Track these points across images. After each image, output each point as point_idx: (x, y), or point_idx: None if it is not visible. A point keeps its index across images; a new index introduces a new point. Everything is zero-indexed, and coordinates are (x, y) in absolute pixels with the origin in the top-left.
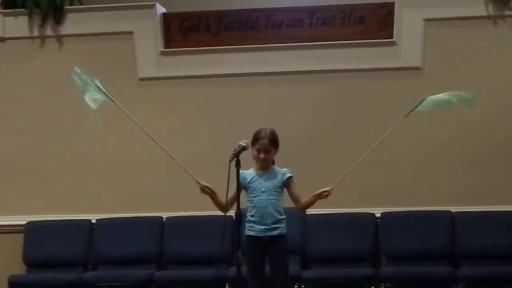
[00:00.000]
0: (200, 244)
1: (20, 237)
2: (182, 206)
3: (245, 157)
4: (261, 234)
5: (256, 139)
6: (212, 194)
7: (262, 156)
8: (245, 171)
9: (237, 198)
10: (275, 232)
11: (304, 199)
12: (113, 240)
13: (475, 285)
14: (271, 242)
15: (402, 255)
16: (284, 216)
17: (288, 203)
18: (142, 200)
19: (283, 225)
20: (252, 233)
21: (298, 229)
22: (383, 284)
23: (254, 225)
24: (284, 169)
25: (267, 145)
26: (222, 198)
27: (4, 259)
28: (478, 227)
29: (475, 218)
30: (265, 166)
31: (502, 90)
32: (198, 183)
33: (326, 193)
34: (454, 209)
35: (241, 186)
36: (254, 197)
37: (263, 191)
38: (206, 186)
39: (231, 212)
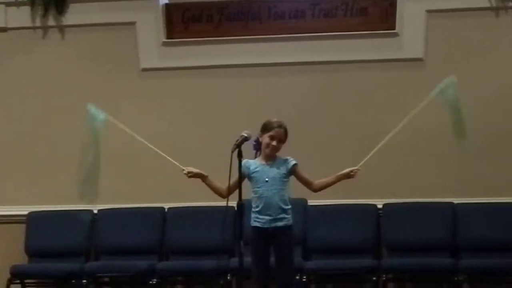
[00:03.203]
0: (201, 235)
1: (21, 227)
2: (184, 197)
3: (247, 147)
4: (266, 225)
5: (271, 126)
6: (201, 178)
7: (274, 143)
8: (250, 161)
9: (239, 188)
10: (280, 223)
11: (323, 179)
12: (115, 230)
13: (476, 276)
14: (277, 233)
15: (403, 246)
16: (290, 206)
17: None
18: (144, 190)
19: (289, 215)
20: (257, 224)
21: (300, 220)
22: (384, 275)
23: (259, 216)
24: (288, 157)
25: (282, 134)
26: (217, 182)
27: (6, 249)
28: (479, 219)
29: (477, 210)
30: (272, 155)
31: (504, 82)
32: (183, 170)
33: (353, 173)
34: (455, 200)
35: (244, 175)
36: (259, 187)
37: (267, 181)
38: (190, 172)
39: (233, 203)
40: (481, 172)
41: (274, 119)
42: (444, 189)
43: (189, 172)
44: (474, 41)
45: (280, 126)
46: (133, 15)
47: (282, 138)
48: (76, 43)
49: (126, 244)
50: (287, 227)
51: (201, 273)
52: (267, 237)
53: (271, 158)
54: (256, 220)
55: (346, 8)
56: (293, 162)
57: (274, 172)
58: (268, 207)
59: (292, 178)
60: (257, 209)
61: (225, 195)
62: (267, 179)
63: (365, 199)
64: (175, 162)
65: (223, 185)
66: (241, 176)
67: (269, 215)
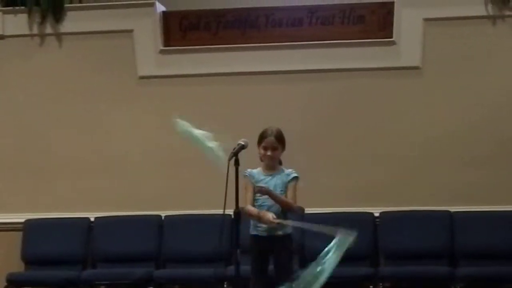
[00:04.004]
0: (198, 243)
1: (18, 235)
2: (181, 205)
3: (244, 156)
4: (265, 234)
5: (262, 137)
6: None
7: (269, 153)
8: (253, 170)
9: (235, 196)
10: (279, 232)
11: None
12: (111, 238)
13: (474, 284)
14: (276, 241)
15: (400, 254)
16: (289, 216)
17: None
18: (141, 198)
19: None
20: (256, 232)
21: (297, 228)
22: (381, 284)
23: (258, 224)
24: (291, 169)
25: (273, 142)
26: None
27: (2, 257)
28: (476, 227)
29: (474, 218)
30: (272, 164)
31: (501, 90)
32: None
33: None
34: (452, 208)
35: (252, 185)
36: (260, 196)
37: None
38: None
39: (230, 211)
40: (477, 180)
41: (266, 128)
42: (441, 197)
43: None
44: (471, 49)
45: (271, 134)
46: (130, 23)
47: (275, 145)
48: (74, 50)
49: (123, 252)
50: (286, 236)
51: (198, 281)
52: (266, 245)
53: (272, 168)
54: (255, 228)
55: (344, 16)
56: (294, 175)
57: (274, 182)
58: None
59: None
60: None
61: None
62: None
63: (362, 207)
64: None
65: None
66: (252, 184)
67: (270, 224)
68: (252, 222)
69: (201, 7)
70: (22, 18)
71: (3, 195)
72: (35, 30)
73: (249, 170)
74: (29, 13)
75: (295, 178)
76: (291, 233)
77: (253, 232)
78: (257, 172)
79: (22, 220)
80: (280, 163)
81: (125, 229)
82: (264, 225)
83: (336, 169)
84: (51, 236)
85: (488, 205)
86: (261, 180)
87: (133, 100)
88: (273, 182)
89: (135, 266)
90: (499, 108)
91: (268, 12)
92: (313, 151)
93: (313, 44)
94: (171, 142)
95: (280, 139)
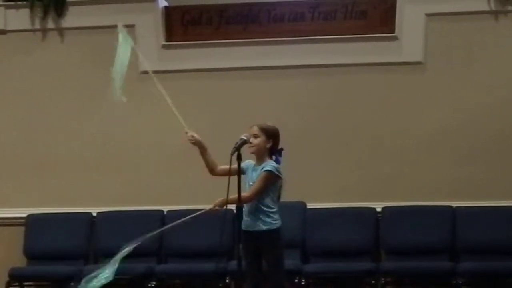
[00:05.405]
0: (200, 238)
1: (20, 230)
2: (183, 200)
3: (246, 150)
4: (250, 228)
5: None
6: (201, 149)
7: (250, 140)
8: (251, 162)
9: (237, 191)
10: (263, 227)
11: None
12: (113, 233)
13: (475, 280)
14: (261, 236)
15: (402, 249)
16: (273, 209)
17: (287, 197)
18: (143, 193)
19: (270, 219)
20: (243, 227)
21: (299, 223)
22: (383, 279)
23: (245, 218)
24: (270, 162)
25: (254, 130)
26: (213, 158)
27: (4, 252)
28: (478, 222)
29: (476, 213)
30: (256, 154)
31: (503, 85)
32: (186, 132)
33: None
34: (454, 203)
35: (243, 173)
36: (246, 190)
37: (251, 184)
38: (193, 137)
39: (232, 206)
40: (479, 175)
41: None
42: (443, 192)
43: (192, 137)
44: (474, 44)
45: (252, 126)
46: (132, 17)
47: (256, 133)
48: (75, 45)
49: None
50: (270, 231)
51: (199, 275)
52: (254, 240)
53: (260, 160)
54: (244, 223)
55: (346, 11)
56: (267, 168)
57: (255, 175)
58: (250, 210)
59: (284, 181)
60: (245, 213)
61: (215, 173)
62: (251, 183)
63: (364, 202)
64: (182, 122)
65: (220, 165)
66: (241, 172)
67: (251, 219)
68: (243, 216)
69: (203, 2)
70: (24, 13)
71: (5, 190)
72: (37, 25)
73: (248, 160)
74: (31, 8)
75: (266, 171)
76: (277, 228)
77: (242, 226)
78: (251, 164)
79: (24, 215)
80: (279, 162)
81: (127, 224)
82: (249, 220)
83: (338, 164)
84: (53, 231)
85: (490, 200)
86: (247, 172)
87: (134, 95)
88: (254, 174)
89: (137, 261)
90: (502, 102)
91: (269, 7)
92: (315, 146)
93: (315, 39)
94: (172, 137)
95: (263, 129)
